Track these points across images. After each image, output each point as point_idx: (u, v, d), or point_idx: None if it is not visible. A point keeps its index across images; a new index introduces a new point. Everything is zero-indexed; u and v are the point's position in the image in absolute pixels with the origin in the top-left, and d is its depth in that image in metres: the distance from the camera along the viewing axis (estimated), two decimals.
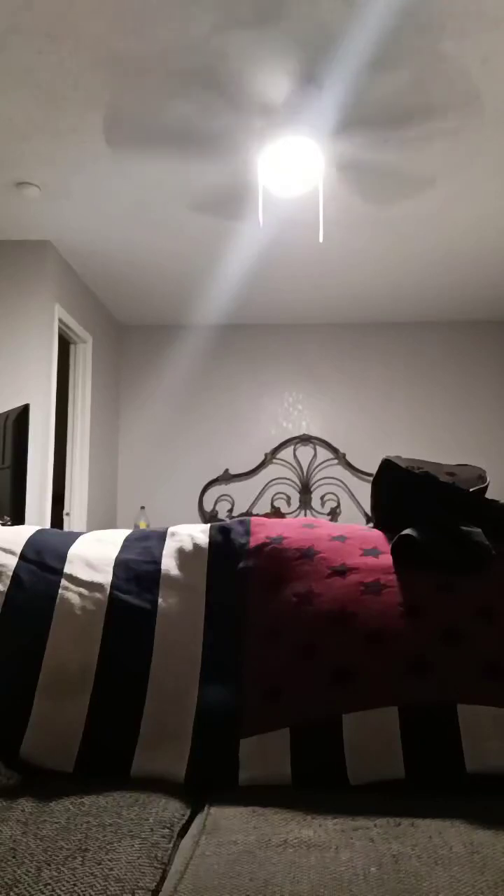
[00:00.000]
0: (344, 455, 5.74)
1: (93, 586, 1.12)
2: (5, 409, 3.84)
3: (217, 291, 5.13)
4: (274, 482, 5.76)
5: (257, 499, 5.73)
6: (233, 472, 5.79)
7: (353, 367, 5.86)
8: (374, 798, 0.87)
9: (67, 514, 4.75)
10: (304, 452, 5.81)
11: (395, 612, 1.01)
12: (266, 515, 4.77)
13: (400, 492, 1.23)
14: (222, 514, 5.70)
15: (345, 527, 1.23)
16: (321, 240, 3.83)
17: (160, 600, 1.11)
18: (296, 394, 5.90)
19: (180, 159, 3.30)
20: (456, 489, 1.19)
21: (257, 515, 2.27)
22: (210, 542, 1.20)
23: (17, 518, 3.52)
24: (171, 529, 1.27)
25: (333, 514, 5.63)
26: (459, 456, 5.58)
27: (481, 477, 1.24)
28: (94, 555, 1.19)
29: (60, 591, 1.12)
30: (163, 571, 1.15)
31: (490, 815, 0.81)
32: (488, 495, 1.21)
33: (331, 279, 4.90)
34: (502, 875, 0.67)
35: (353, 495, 5.67)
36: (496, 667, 0.95)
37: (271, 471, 5.79)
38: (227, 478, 5.78)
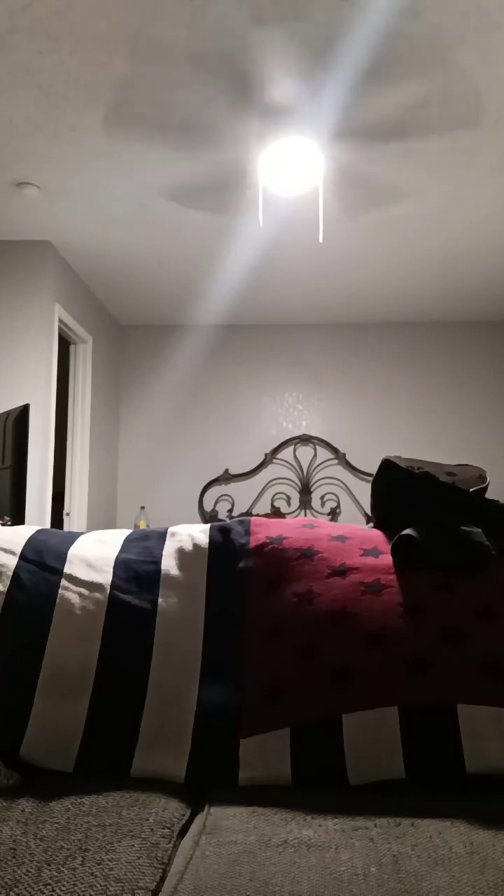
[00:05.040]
0: (344, 455, 5.74)
1: (93, 586, 1.12)
2: (5, 409, 3.84)
3: (217, 291, 5.13)
4: (274, 482, 5.76)
5: (257, 499, 5.72)
6: (233, 472, 5.79)
7: (353, 367, 5.86)
8: (374, 798, 0.87)
9: (67, 514, 4.75)
10: (304, 452, 5.81)
11: (395, 612, 1.01)
12: (266, 515, 4.77)
13: (400, 492, 1.23)
14: (222, 514, 5.69)
15: (345, 527, 1.23)
16: (321, 240, 3.83)
17: (160, 600, 1.11)
18: (296, 394, 5.90)
19: (180, 159, 3.30)
20: (456, 489, 1.19)
21: (257, 515, 2.27)
22: (210, 542, 1.20)
23: (17, 518, 3.52)
24: (171, 529, 1.26)
25: (333, 514, 5.63)
26: (460, 456, 5.58)
27: (481, 477, 1.24)
28: (94, 555, 1.19)
29: (60, 591, 1.12)
30: (163, 571, 1.15)
31: (490, 815, 0.81)
32: (488, 495, 1.21)
33: (331, 279, 4.90)
34: (502, 875, 0.67)
35: (353, 495, 5.67)
36: (496, 667, 0.95)
37: (271, 471, 5.79)
38: (227, 478, 5.78)
